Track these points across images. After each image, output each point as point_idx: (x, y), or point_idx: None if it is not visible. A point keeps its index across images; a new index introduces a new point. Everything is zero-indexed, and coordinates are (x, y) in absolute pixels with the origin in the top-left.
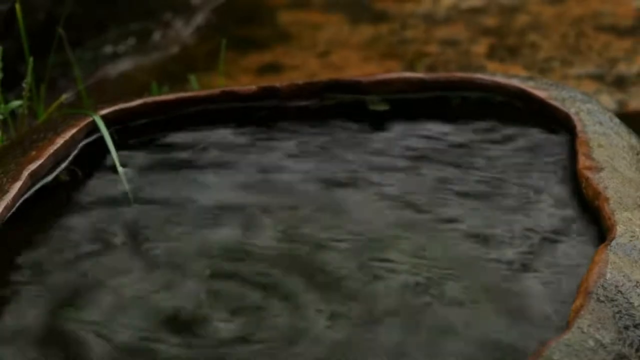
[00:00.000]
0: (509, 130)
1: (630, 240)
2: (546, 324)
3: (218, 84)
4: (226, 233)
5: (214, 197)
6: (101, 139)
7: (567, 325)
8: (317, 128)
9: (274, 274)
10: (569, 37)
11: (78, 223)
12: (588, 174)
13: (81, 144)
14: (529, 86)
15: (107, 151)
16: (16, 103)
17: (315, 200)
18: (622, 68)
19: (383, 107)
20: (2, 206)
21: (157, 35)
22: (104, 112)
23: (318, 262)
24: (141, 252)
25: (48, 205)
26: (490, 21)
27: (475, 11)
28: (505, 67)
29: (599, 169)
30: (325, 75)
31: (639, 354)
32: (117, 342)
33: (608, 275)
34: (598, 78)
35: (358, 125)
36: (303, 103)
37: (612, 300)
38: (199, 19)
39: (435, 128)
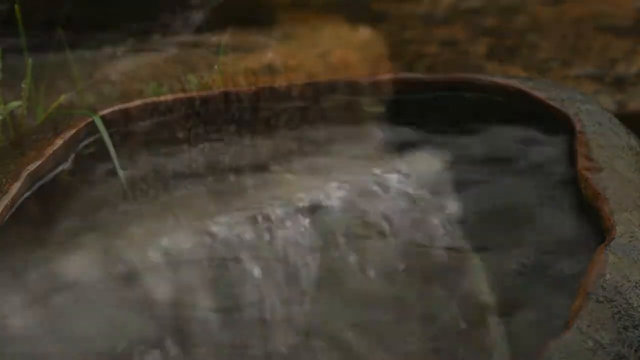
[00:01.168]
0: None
1: (630, 241)
2: None
3: (217, 84)
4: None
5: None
6: (100, 139)
7: (566, 326)
8: None
9: None
10: (569, 37)
11: (77, 223)
12: (587, 174)
13: (80, 145)
14: (528, 87)
15: (107, 152)
16: (15, 103)
17: None
18: (622, 68)
19: (378, 108)
20: (2, 206)
21: (156, 36)
22: (103, 112)
23: None
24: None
25: (47, 205)
26: (489, 22)
27: (475, 12)
28: (504, 68)
29: (599, 170)
30: (324, 76)
31: (638, 354)
32: None
33: (607, 276)
34: (597, 78)
35: None
36: (302, 104)
37: (612, 300)
38: (198, 19)
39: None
